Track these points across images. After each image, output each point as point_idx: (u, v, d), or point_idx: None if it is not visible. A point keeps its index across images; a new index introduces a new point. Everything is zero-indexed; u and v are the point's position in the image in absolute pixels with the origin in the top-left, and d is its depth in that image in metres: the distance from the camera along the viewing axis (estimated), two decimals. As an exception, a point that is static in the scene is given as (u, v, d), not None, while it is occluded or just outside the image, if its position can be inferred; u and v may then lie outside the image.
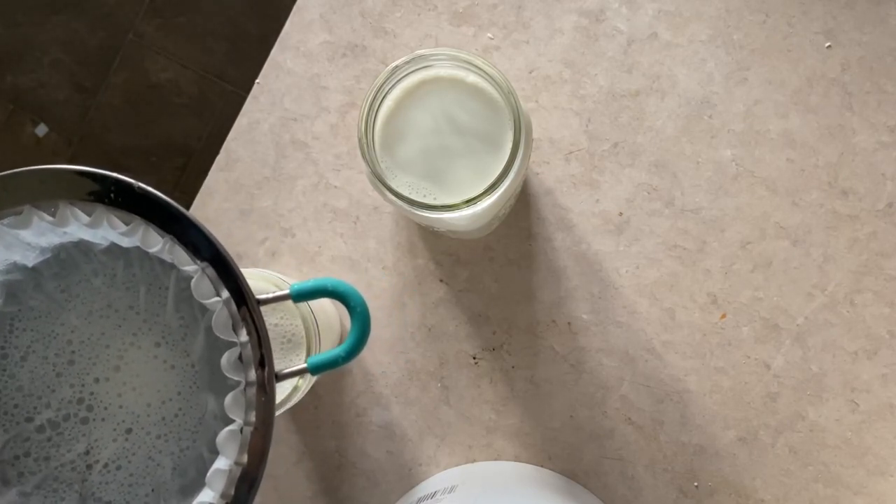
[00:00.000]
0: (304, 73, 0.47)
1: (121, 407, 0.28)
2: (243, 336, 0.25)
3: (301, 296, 0.26)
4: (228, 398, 0.25)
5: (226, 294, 0.25)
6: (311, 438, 0.47)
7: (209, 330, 0.28)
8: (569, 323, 0.46)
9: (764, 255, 0.45)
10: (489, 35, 0.47)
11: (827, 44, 0.46)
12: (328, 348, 0.42)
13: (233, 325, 0.25)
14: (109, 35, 1.15)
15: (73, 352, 0.28)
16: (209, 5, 1.14)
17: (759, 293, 0.45)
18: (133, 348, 0.28)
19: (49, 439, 0.27)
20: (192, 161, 1.14)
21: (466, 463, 0.46)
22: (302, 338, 0.38)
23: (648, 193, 0.46)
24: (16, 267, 0.27)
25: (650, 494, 0.45)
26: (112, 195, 0.25)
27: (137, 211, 0.26)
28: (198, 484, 0.27)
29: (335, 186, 0.47)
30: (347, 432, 0.47)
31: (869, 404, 0.44)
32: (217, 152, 0.48)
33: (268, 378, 0.25)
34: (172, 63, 1.14)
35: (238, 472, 0.25)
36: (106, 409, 0.27)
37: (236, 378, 0.25)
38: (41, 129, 1.16)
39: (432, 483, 0.45)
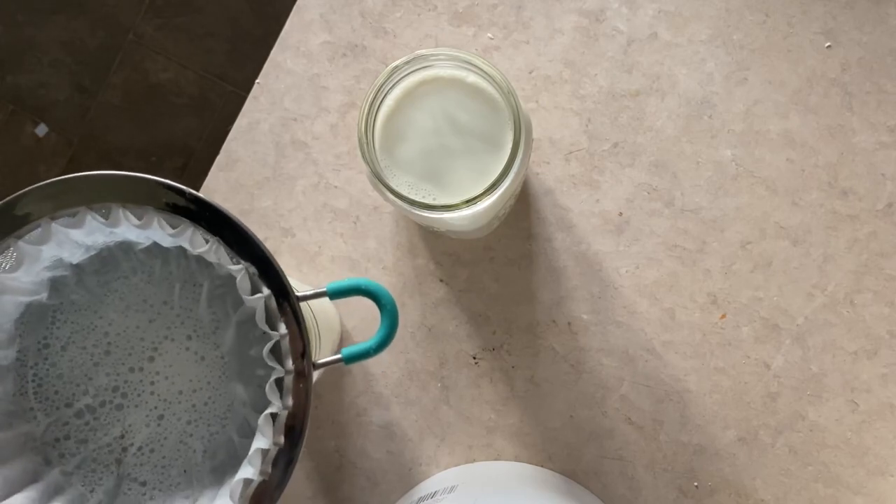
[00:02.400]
0: (304, 73, 0.47)
1: (153, 394, 0.29)
2: (282, 329, 0.27)
3: (337, 293, 0.28)
4: (268, 385, 0.27)
5: (267, 291, 0.27)
6: (311, 438, 0.47)
7: (240, 324, 0.30)
8: (569, 323, 0.46)
9: (764, 255, 0.45)
10: (489, 35, 0.47)
11: (827, 44, 0.46)
12: (328, 347, 0.42)
13: (270, 319, 0.27)
14: (109, 35, 1.15)
15: (109, 343, 0.29)
16: (209, 5, 1.14)
17: (759, 293, 0.45)
18: (166, 341, 0.29)
19: (87, 423, 0.29)
20: (192, 161, 1.14)
21: (466, 463, 0.46)
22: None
23: (648, 193, 0.46)
24: (61, 263, 0.28)
25: (650, 494, 0.45)
26: (163, 199, 0.27)
27: (186, 214, 0.27)
28: (228, 465, 0.29)
29: (335, 186, 0.47)
30: (347, 432, 0.47)
31: (869, 404, 0.44)
32: (217, 152, 0.48)
33: (307, 366, 0.27)
34: (172, 63, 1.14)
35: (275, 451, 0.27)
36: (139, 396, 0.29)
37: (274, 366, 0.27)
38: (41, 129, 1.16)
39: (432, 483, 0.45)
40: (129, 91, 1.15)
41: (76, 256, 0.29)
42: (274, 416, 0.27)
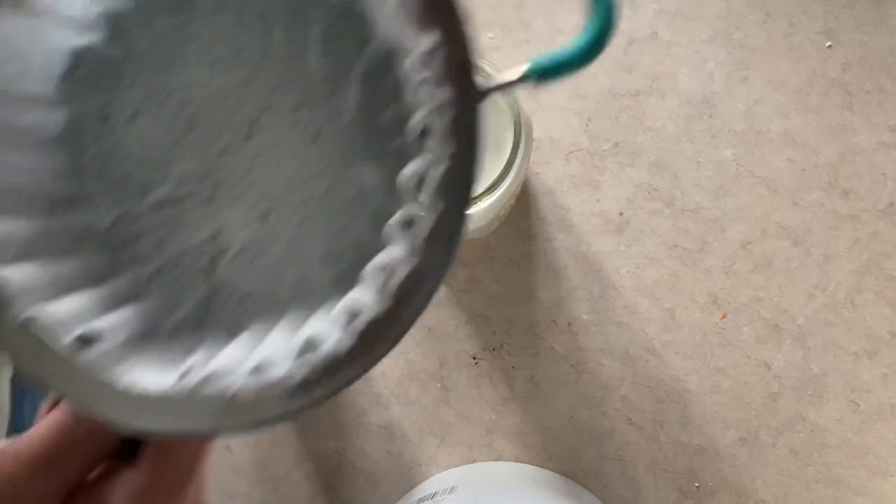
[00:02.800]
0: (304, 72, 0.47)
1: (253, 185, 0.21)
2: (428, 38, 0.18)
3: None
4: (416, 117, 0.18)
5: None
6: (310, 438, 0.47)
7: (367, 77, 0.21)
8: (569, 323, 0.46)
9: (764, 254, 0.45)
10: (489, 35, 0.47)
11: (828, 43, 0.46)
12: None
13: (416, 22, 0.18)
14: (109, 35, 1.15)
15: (193, 114, 0.21)
16: (209, 5, 1.14)
17: (760, 293, 0.45)
18: (268, 112, 0.21)
19: (167, 220, 0.21)
20: (192, 161, 1.14)
21: (466, 463, 0.46)
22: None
23: (649, 193, 0.46)
24: None
25: (650, 495, 0.45)
26: None
27: None
28: (356, 271, 0.20)
29: (335, 186, 0.47)
30: (347, 432, 0.47)
31: (870, 404, 0.44)
32: None
33: (475, 86, 0.18)
34: (172, 63, 1.14)
35: (431, 221, 0.18)
36: (235, 186, 0.21)
37: (428, 89, 0.18)
38: (41, 129, 1.16)
39: (432, 483, 0.45)
40: (129, 91, 1.15)
41: None
42: (421, 176, 0.19)
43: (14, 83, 0.19)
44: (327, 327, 0.19)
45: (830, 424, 0.45)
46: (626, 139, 0.46)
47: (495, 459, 0.46)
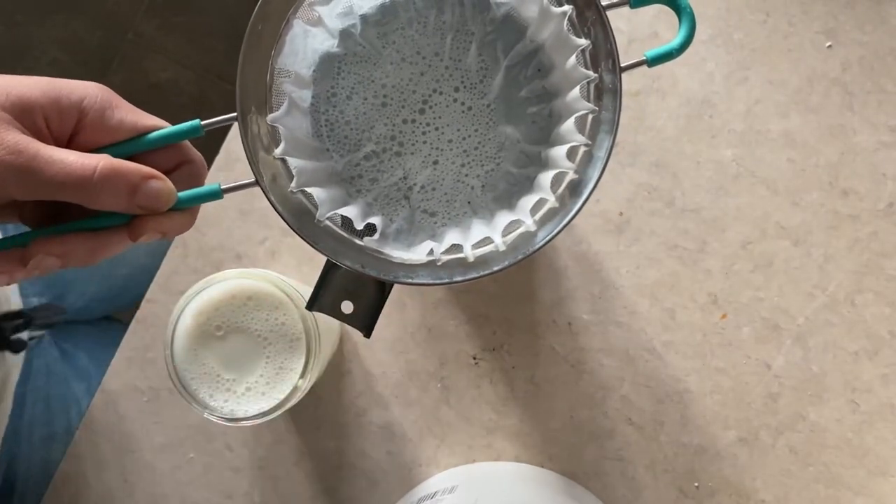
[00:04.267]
0: (304, 72, 0.47)
1: (426, 143, 0.32)
2: (583, 41, 0.29)
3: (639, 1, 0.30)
4: (575, 91, 0.29)
5: (568, 7, 0.29)
6: (311, 439, 0.47)
7: (510, 68, 0.32)
8: (569, 323, 0.46)
9: (764, 255, 0.45)
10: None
11: (828, 43, 0.46)
12: (327, 349, 0.42)
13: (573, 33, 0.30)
14: (108, 34, 1.15)
15: (385, 95, 0.32)
16: (209, 5, 1.14)
17: (760, 293, 0.45)
18: (435, 94, 0.32)
19: (374, 166, 0.32)
20: (191, 161, 1.14)
21: (466, 463, 0.46)
22: (302, 336, 0.39)
23: (649, 193, 0.46)
24: (352, 11, 0.31)
25: (651, 495, 0.45)
26: None
27: None
28: (510, 193, 0.32)
29: (335, 186, 0.47)
30: (347, 432, 0.46)
31: (870, 404, 0.44)
32: (217, 152, 0.48)
33: (616, 73, 0.30)
34: (172, 63, 1.14)
35: (585, 150, 0.29)
36: (413, 145, 0.32)
37: (586, 73, 0.29)
38: (40, 129, 1.15)
39: (432, 483, 0.45)
40: (128, 91, 1.14)
41: (366, 4, 0.31)
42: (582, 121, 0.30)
43: (296, 68, 0.30)
44: (522, 217, 0.29)
45: (830, 424, 0.45)
46: (626, 139, 0.46)
47: (495, 459, 0.46)
